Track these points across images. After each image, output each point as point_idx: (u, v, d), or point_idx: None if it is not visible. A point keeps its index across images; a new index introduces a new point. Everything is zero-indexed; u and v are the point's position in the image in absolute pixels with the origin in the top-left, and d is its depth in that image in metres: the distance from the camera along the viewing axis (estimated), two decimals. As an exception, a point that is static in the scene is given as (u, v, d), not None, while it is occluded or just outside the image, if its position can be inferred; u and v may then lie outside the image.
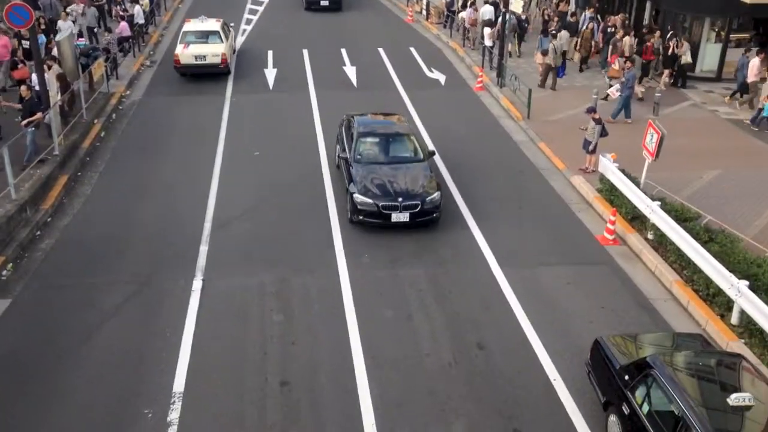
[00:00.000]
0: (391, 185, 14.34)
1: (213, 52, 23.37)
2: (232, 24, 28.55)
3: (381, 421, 9.58)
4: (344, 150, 15.72)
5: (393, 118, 17.00)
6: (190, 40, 23.68)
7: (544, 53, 22.37)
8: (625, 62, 20.85)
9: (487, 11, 26.98)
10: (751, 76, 20.27)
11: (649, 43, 21.84)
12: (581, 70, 23.88)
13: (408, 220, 13.99)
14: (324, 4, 32.53)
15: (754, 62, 20.16)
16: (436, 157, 17.93)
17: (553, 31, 23.73)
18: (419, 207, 14.00)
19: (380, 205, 13.96)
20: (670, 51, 21.91)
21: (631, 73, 19.93)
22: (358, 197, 14.11)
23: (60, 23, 22.03)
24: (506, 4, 23.24)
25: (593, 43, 23.85)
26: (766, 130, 19.42)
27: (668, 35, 22.61)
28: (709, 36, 22.94)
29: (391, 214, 13.95)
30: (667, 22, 23.78)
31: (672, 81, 22.37)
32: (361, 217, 14.07)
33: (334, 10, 32.64)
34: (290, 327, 11.47)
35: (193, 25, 24.51)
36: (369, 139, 15.52)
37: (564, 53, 23.24)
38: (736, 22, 22.75)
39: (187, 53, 23.31)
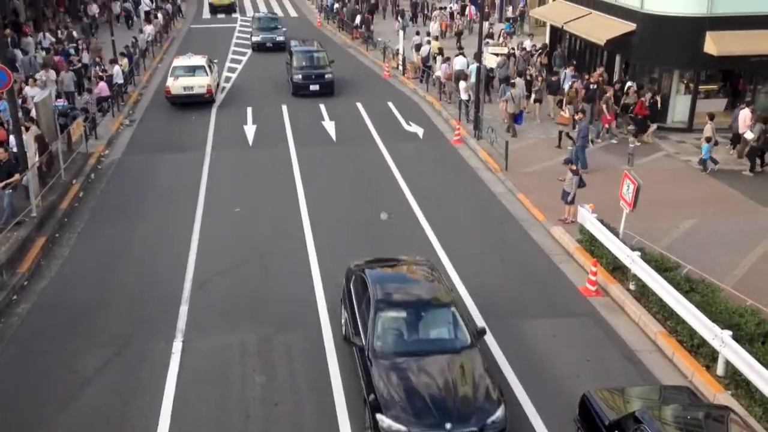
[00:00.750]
0: (431, 396, 9.70)
1: (199, 83, 26.84)
2: (215, 60, 30.66)
3: (369, 485, 9.36)
4: (356, 329, 11.18)
5: (419, 271, 12.38)
6: (179, 73, 27.06)
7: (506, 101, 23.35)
8: (576, 113, 21.32)
9: (458, 62, 27.59)
10: (742, 127, 20.80)
11: (642, 98, 22.31)
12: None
13: None
14: (314, 89, 28.33)
15: (745, 113, 20.73)
16: (414, 206, 18.00)
17: (512, 81, 24.38)
18: None
19: None
20: (658, 105, 22.47)
21: (583, 124, 20.37)
22: (385, 421, 9.44)
23: (27, 90, 21.99)
24: (479, 59, 23.75)
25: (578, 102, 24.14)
26: (707, 171, 20.10)
27: (628, 86, 23.19)
28: (678, 88, 23.55)
29: None
30: (636, 75, 24.41)
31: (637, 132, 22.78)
32: None
33: (326, 95, 28.43)
34: (273, 388, 11.28)
35: (181, 60, 28.04)
36: (392, 314, 10.92)
37: (520, 101, 23.90)
38: (704, 74, 23.40)
39: (176, 85, 26.74)
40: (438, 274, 12.28)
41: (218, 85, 29.69)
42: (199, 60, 27.90)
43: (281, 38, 36.70)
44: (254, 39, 37.34)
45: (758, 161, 20.40)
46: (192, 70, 27.21)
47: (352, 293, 11.99)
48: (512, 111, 23.51)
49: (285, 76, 30.37)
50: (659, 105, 22.61)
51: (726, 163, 20.86)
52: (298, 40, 32.13)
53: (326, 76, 28.67)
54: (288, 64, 30.23)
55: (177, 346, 12.35)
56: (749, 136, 20.21)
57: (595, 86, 23.54)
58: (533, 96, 25.02)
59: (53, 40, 32.16)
